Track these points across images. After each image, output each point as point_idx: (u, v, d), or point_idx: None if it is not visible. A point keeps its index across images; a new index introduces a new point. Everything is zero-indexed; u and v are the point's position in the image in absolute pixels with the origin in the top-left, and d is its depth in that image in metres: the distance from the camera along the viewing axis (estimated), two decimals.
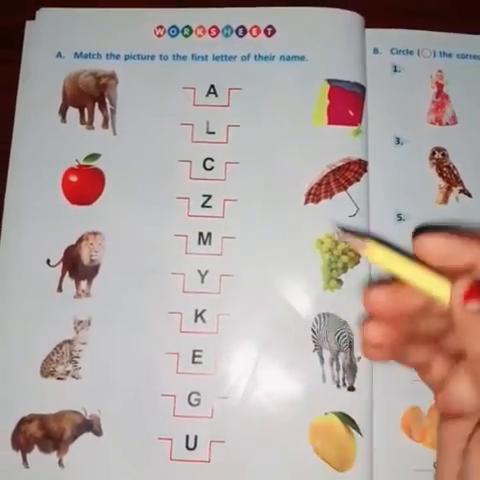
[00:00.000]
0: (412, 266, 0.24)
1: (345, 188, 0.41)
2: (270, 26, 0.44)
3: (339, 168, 0.42)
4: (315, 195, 0.41)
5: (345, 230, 0.38)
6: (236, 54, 0.43)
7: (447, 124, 0.44)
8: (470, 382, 0.24)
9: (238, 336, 0.39)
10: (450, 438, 0.25)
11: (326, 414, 0.38)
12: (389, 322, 0.24)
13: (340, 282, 0.40)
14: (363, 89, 0.43)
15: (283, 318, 0.40)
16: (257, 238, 0.41)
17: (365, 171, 0.42)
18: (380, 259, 0.24)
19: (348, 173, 0.41)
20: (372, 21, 0.45)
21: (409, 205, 0.42)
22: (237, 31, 0.44)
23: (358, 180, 0.41)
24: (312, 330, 0.39)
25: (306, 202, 0.41)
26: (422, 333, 0.25)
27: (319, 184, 0.41)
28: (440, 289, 0.23)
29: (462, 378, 0.25)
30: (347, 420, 0.38)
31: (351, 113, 0.42)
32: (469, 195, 0.43)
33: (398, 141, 0.43)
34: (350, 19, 0.44)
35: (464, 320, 0.23)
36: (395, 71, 0.45)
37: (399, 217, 0.42)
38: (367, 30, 0.44)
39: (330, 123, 0.42)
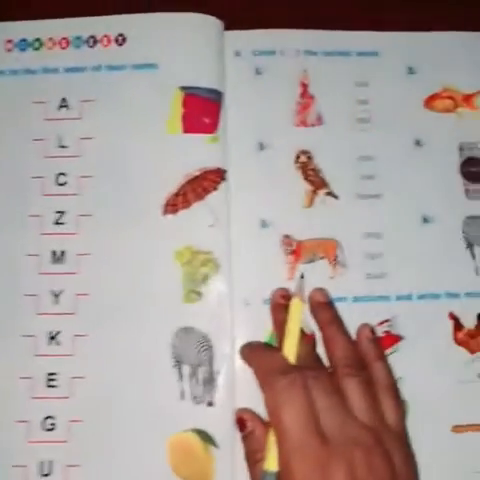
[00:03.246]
0: None
1: (202, 198, 0.40)
2: (121, 34, 0.42)
3: (196, 177, 0.40)
4: (173, 206, 0.40)
5: None
6: (87, 65, 0.42)
7: (313, 125, 0.43)
8: None
9: (95, 357, 0.38)
10: None
11: (184, 431, 0.37)
12: None
13: (199, 294, 0.39)
14: (220, 95, 0.42)
15: (141, 335, 0.38)
16: (114, 253, 0.40)
17: (223, 180, 0.41)
18: None
19: (205, 182, 0.40)
20: (233, 24, 0.43)
21: (274, 211, 0.41)
22: (88, 41, 0.42)
23: (216, 189, 0.40)
24: (172, 345, 0.38)
25: (164, 213, 0.40)
26: None
27: (176, 195, 0.40)
28: None
29: None
30: (205, 437, 0.37)
31: (207, 120, 0.41)
32: (335, 197, 0.42)
33: (261, 146, 0.42)
34: (206, 23, 0.42)
35: None
36: (257, 73, 0.43)
37: (263, 224, 0.41)
38: (227, 32, 0.43)
39: (185, 132, 0.41)
